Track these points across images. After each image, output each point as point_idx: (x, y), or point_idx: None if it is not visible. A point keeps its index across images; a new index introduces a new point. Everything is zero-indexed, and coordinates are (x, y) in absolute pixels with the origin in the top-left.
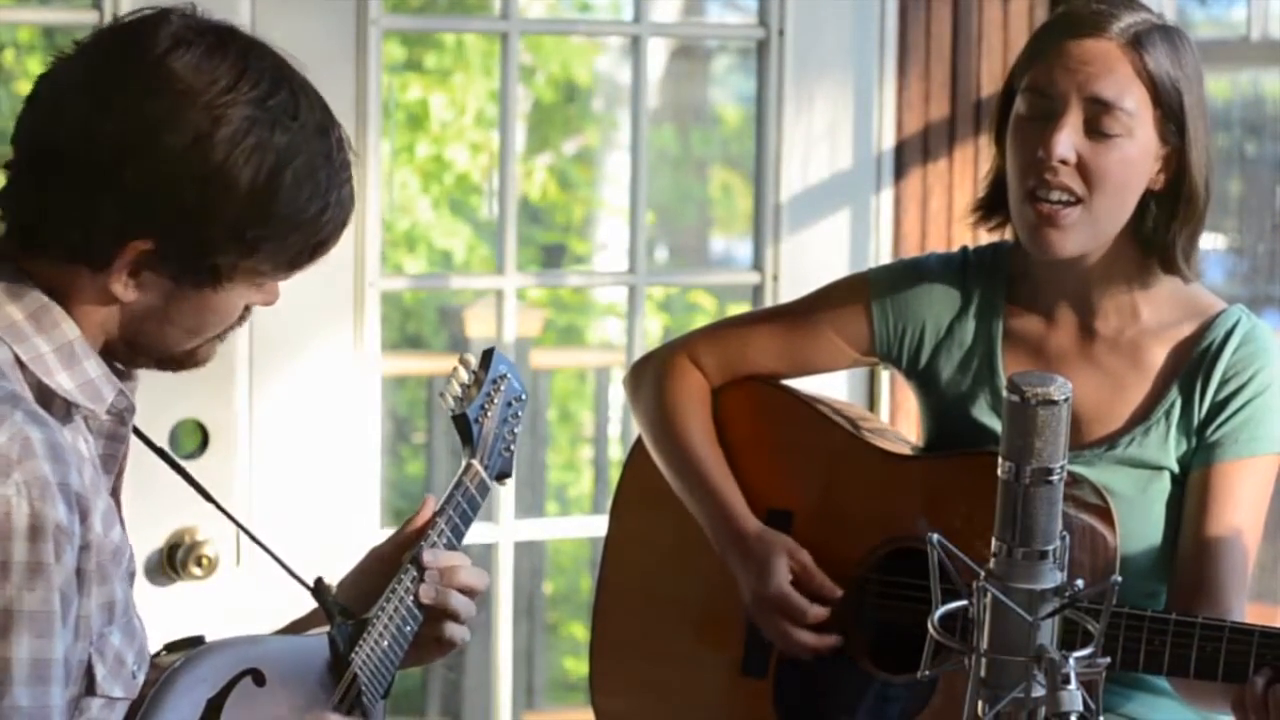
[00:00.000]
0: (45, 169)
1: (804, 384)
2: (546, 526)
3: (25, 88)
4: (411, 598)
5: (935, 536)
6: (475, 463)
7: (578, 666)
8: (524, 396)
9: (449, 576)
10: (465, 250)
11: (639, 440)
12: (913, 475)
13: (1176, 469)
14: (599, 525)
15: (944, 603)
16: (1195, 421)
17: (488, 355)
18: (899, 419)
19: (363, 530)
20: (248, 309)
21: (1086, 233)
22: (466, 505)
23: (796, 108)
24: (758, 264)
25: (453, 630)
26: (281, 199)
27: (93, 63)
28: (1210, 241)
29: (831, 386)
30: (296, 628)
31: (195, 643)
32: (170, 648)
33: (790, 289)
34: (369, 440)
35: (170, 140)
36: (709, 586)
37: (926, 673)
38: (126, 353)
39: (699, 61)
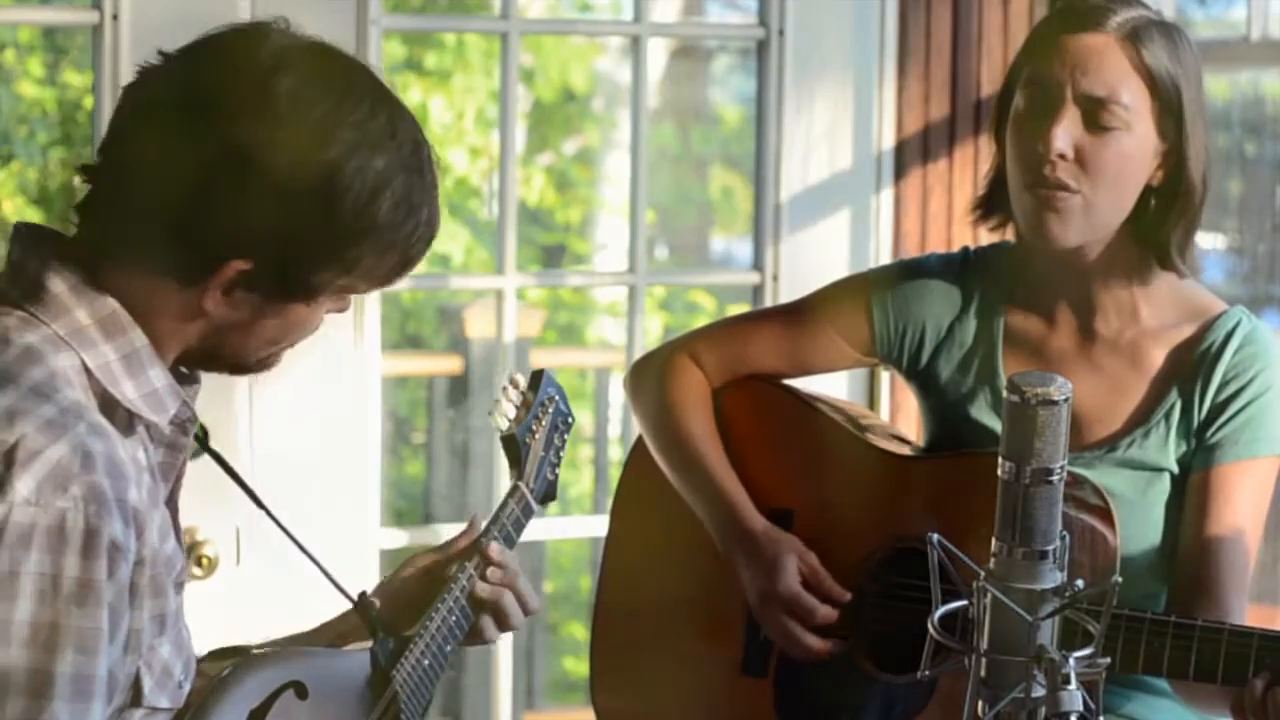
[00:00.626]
0: (138, 183)
1: (804, 384)
2: (546, 526)
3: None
4: (454, 617)
5: (935, 537)
6: (522, 485)
7: (578, 666)
8: (571, 420)
9: (510, 579)
10: (463, 254)
11: (639, 440)
12: (913, 475)
13: (1176, 470)
14: (599, 525)
15: (944, 603)
16: (1195, 423)
17: (537, 376)
18: (899, 419)
19: (363, 530)
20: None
21: (1086, 222)
22: (511, 528)
23: (796, 108)
24: (758, 264)
25: (489, 629)
26: (380, 220)
27: (191, 78)
28: (1210, 241)
29: (832, 386)
30: (324, 631)
31: (239, 651)
32: (214, 655)
33: (790, 289)
34: (369, 440)
35: (273, 164)
36: (709, 586)
37: (926, 673)
38: (200, 360)
39: (699, 61)
